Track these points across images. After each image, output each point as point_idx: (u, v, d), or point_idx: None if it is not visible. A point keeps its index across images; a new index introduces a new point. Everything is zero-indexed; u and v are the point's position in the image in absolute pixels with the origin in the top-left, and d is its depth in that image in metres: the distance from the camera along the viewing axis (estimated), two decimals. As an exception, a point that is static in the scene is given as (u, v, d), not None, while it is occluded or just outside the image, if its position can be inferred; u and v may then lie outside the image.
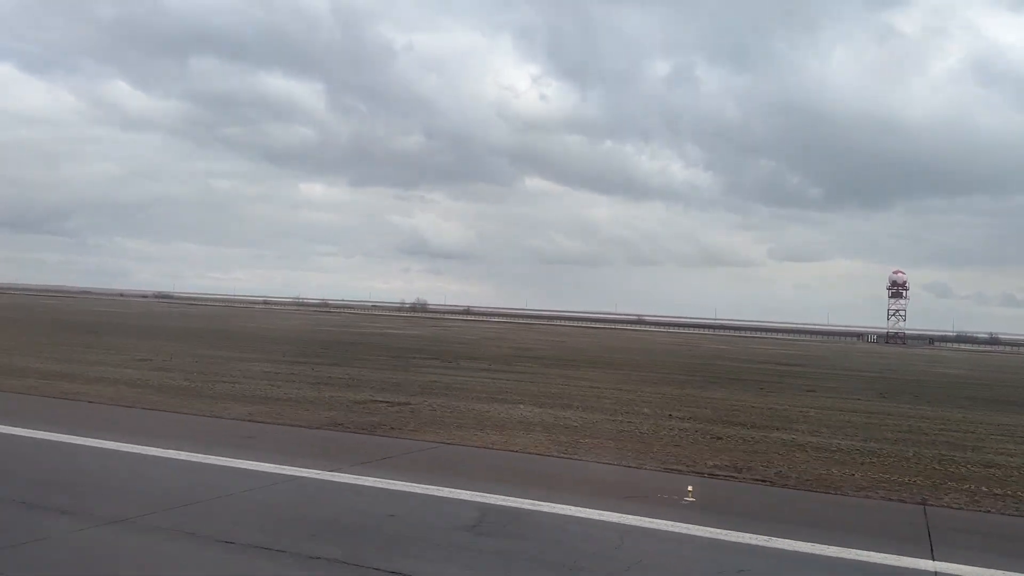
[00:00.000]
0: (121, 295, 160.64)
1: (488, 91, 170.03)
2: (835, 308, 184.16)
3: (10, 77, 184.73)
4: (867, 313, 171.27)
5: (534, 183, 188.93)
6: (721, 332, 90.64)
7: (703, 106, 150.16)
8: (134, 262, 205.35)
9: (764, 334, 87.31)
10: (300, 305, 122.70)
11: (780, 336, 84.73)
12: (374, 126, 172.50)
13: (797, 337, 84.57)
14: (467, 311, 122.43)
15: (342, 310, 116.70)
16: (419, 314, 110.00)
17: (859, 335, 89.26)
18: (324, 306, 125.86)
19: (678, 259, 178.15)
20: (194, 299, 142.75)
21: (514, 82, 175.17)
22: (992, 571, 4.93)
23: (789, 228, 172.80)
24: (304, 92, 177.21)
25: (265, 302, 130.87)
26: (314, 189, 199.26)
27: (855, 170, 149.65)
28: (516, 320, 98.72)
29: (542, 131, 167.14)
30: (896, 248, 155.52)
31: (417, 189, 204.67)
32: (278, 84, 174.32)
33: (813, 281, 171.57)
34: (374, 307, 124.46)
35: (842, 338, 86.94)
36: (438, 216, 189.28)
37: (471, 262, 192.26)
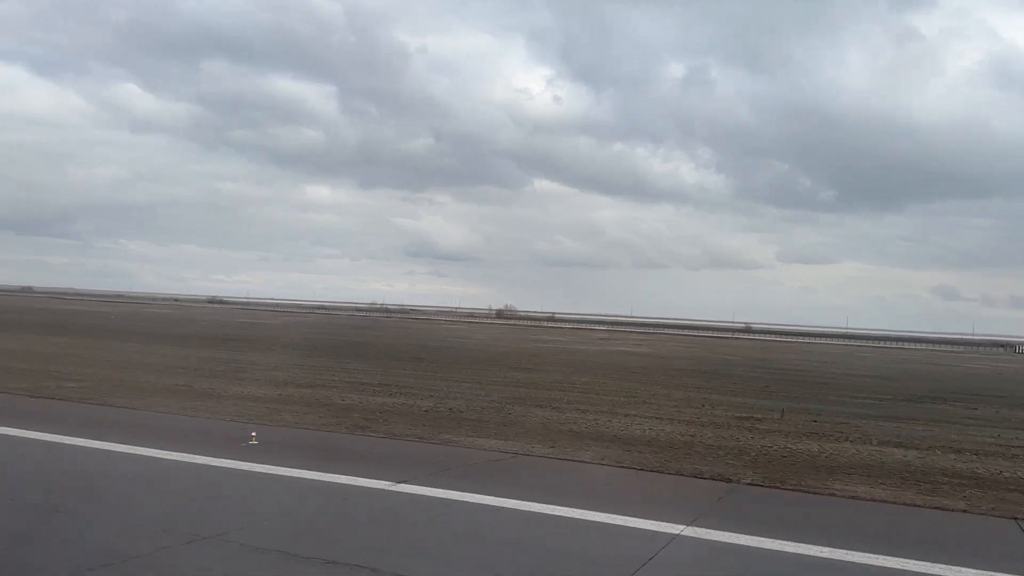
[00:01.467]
0: (175, 299, 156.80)
1: (498, 93, 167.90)
2: (841, 311, 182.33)
3: (20, 80, 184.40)
4: (871, 315, 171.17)
5: (542, 185, 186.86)
6: (840, 342, 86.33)
7: (716, 108, 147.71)
8: (138, 264, 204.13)
9: (899, 344, 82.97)
10: (388, 313, 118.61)
11: (921, 347, 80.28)
12: (384, 129, 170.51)
13: (939, 348, 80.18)
14: (551, 318, 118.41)
15: (441, 318, 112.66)
16: (518, 322, 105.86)
17: (1003, 345, 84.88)
18: (406, 313, 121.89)
19: (685, 261, 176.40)
20: (250, 303, 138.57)
21: (526, 84, 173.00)
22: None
23: (798, 230, 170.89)
24: (315, 95, 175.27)
25: (321, 307, 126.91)
26: (320, 191, 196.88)
27: (867, 173, 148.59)
28: (628, 330, 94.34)
29: (552, 133, 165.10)
30: (904, 251, 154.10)
31: (425, 191, 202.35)
32: (288, 87, 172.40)
33: (821, 283, 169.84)
34: (469, 315, 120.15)
35: (988, 348, 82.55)
36: (444, 218, 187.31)
37: (475, 264, 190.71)
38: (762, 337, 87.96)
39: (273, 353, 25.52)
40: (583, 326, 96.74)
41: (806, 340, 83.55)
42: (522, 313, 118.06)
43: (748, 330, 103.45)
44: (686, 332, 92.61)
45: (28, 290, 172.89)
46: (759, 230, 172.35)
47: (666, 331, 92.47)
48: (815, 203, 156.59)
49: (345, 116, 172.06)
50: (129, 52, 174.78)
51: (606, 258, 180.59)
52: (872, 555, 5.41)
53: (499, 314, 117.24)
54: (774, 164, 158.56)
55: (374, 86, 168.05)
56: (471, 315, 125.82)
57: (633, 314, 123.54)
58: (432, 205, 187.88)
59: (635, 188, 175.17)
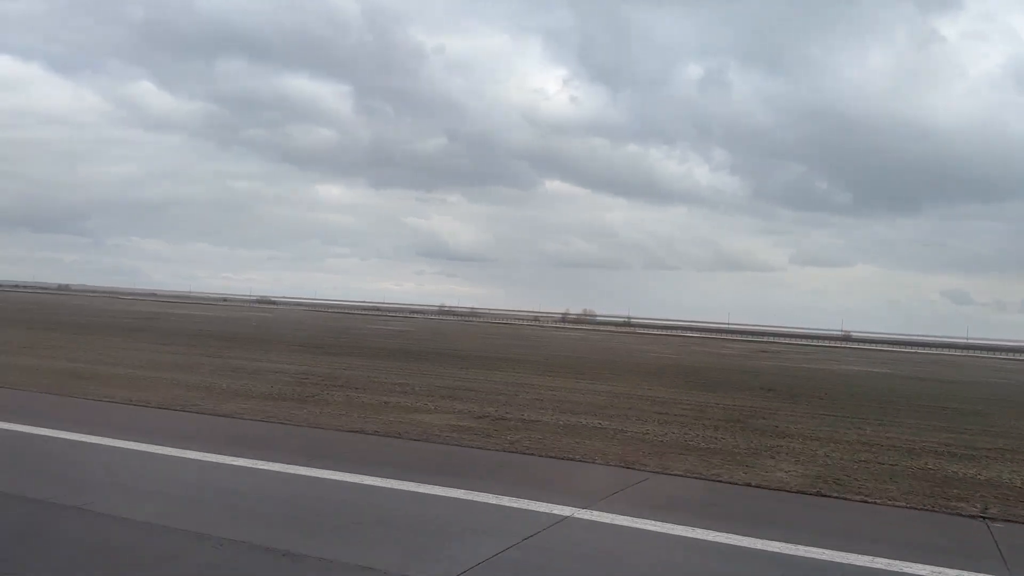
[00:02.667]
0: (225, 300, 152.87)
1: (514, 94, 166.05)
2: (854, 314, 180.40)
3: (36, 77, 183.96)
4: (881, 318, 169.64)
5: (554, 186, 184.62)
6: (964, 353, 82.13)
7: (733, 110, 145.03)
8: (149, 262, 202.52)
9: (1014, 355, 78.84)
10: (461, 316, 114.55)
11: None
12: (398, 128, 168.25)
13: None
14: (627, 322, 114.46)
15: (504, 320, 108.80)
16: (591, 327, 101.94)
17: None
18: (474, 315, 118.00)
19: (697, 263, 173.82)
20: (304, 304, 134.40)
21: (542, 85, 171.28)
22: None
23: (813, 233, 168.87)
24: (330, 94, 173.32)
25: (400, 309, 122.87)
26: (332, 191, 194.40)
27: (885, 176, 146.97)
28: (729, 338, 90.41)
29: (566, 134, 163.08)
30: (918, 254, 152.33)
31: (437, 191, 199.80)
32: (304, 86, 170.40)
33: (832, 286, 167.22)
34: (536, 318, 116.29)
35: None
36: (456, 218, 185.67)
37: (485, 265, 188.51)
38: (879, 348, 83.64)
39: (633, 382, 21.37)
40: (688, 334, 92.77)
41: (933, 351, 79.46)
42: (600, 318, 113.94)
43: (848, 338, 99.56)
44: (789, 341, 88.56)
45: (65, 288, 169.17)
46: (773, 232, 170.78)
47: (769, 340, 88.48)
48: (831, 206, 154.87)
49: (359, 116, 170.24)
50: (146, 50, 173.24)
51: (617, 259, 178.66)
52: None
53: (578, 319, 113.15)
54: (790, 166, 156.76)
55: (389, 86, 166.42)
56: (536, 319, 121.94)
57: (708, 319, 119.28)
58: (444, 205, 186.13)
59: (648, 190, 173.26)
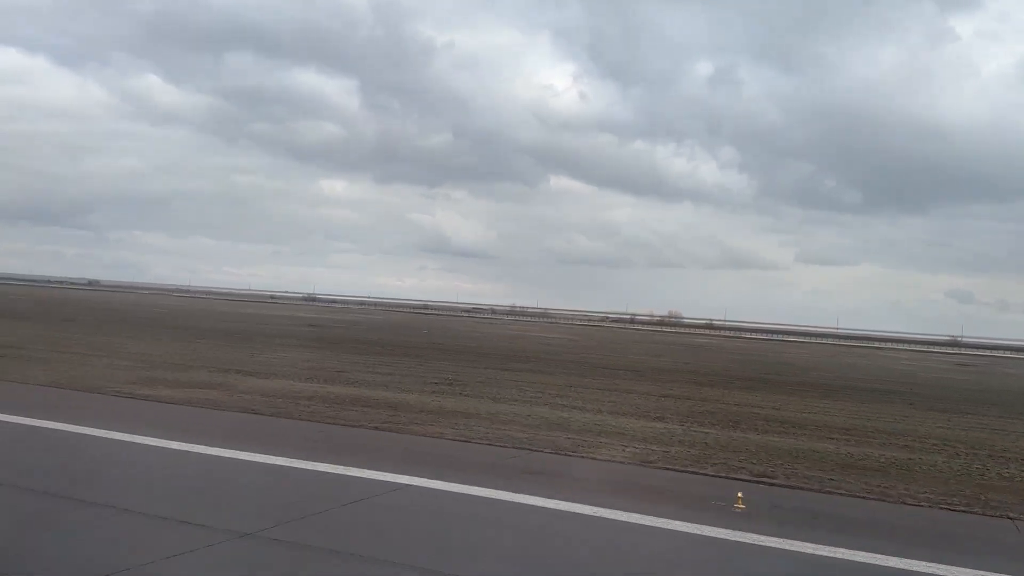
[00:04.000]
0: (272, 297, 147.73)
1: (522, 90, 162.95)
2: (858, 314, 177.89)
3: (42, 70, 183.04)
4: (887, 319, 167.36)
5: (560, 182, 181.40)
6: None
7: (743, 108, 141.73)
8: (151, 256, 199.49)
9: None
10: (533, 317, 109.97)
11: None
12: (405, 124, 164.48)
13: None
14: (710, 325, 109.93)
15: (591, 323, 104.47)
16: (680, 330, 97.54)
17: None
18: (546, 316, 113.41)
19: (702, 261, 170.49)
20: (358, 302, 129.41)
21: (551, 81, 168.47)
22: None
23: (820, 232, 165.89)
24: (337, 89, 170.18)
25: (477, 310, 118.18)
26: (337, 186, 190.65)
27: (894, 175, 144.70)
28: (835, 343, 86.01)
29: (574, 131, 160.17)
30: (924, 254, 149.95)
31: (442, 187, 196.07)
32: (311, 81, 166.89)
33: (835, 286, 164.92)
34: (604, 319, 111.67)
35: None
36: (460, 215, 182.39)
37: (488, 261, 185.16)
38: (993, 354, 79.18)
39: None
40: (791, 339, 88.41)
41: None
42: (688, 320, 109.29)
43: (956, 344, 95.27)
44: (893, 346, 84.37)
45: (95, 283, 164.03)
46: (780, 231, 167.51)
47: (872, 345, 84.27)
48: (839, 205, 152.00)
49: (366, 111, 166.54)
50: (153, 44, 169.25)
51: (621, 257, 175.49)
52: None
53: (663, 322, 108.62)
54: (798, 165, 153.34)
55: (396, 81, 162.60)
56: (603, 318, 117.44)
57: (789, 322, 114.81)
58: (448, 201, 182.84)
59: (655, 187, 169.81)
